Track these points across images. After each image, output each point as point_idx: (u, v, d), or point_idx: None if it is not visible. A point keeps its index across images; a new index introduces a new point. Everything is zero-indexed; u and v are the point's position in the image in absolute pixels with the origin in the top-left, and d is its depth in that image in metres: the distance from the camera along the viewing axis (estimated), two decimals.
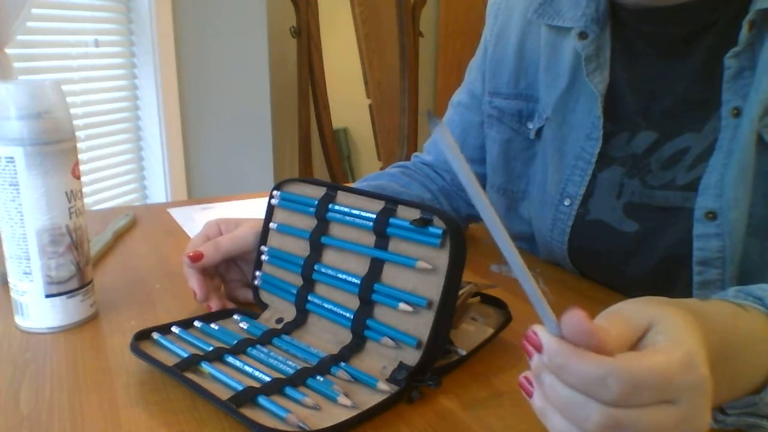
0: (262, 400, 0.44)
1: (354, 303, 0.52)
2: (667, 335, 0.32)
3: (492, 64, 0.79)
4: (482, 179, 0.83)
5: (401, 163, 0.88)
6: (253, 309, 0.59)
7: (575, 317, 0.30)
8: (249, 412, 0.42)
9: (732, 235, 0.57)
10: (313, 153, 2.64)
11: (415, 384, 0.47)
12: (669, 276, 0.62)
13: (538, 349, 0.32)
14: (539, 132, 0.73)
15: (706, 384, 0.31)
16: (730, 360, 0.36)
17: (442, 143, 0.31)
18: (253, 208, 0.97)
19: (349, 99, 2.82)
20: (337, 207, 0.54)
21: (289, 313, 0.57)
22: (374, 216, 0.51)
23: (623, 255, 0.65)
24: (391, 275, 0.50)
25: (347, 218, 0.53)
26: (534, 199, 0.75)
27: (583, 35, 0.66)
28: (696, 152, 0.60)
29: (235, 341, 0.52)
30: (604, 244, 0.66)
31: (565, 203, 0.68)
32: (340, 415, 0.43)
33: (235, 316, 0.58)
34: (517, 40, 0.75)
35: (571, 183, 0.68)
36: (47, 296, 0.56)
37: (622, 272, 0.66)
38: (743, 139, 0.56)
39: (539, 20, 0.71)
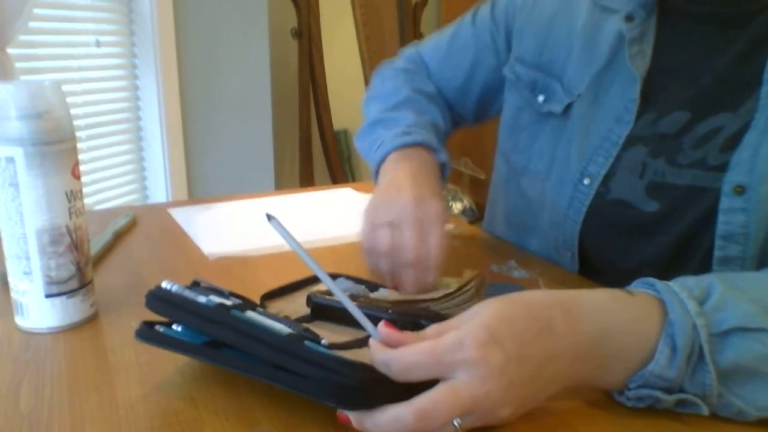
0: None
1: None
2: (461, 325, 0.40)
3: (520, 32, 0.81)
4: (451, 110, 0.89)
5: (413, 79, 0.89)
6: None
7: (382, 329, 0.41)
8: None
9: (758, 212, 0.57)
10: (313, 154, 2.64)
11: None
12: (685, 254, 0.63)
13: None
14: (568, 108, 0.73)
15: (480, 361, 0.38)
16: (609, 339, 0.42)
17: (279, 231, 0.41)
18: (254, 209, 0.97)
19: (349, 100, 2.81)
20: None
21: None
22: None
23: (641, 234, 0.65)
24: None
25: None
26: (553, 176, 0.75)
27: (629, 18, 0.67)
28: (729, 132, 0.60)
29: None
30: (623, 222, 0.66)
31: (585, 182, 0.69)
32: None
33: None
34: (551, 14, 0.77)
35: (594, 163, 0.68)
36: (47, 296, 0.56)
37: (638, 250, 0.66)
38: None
39: None
